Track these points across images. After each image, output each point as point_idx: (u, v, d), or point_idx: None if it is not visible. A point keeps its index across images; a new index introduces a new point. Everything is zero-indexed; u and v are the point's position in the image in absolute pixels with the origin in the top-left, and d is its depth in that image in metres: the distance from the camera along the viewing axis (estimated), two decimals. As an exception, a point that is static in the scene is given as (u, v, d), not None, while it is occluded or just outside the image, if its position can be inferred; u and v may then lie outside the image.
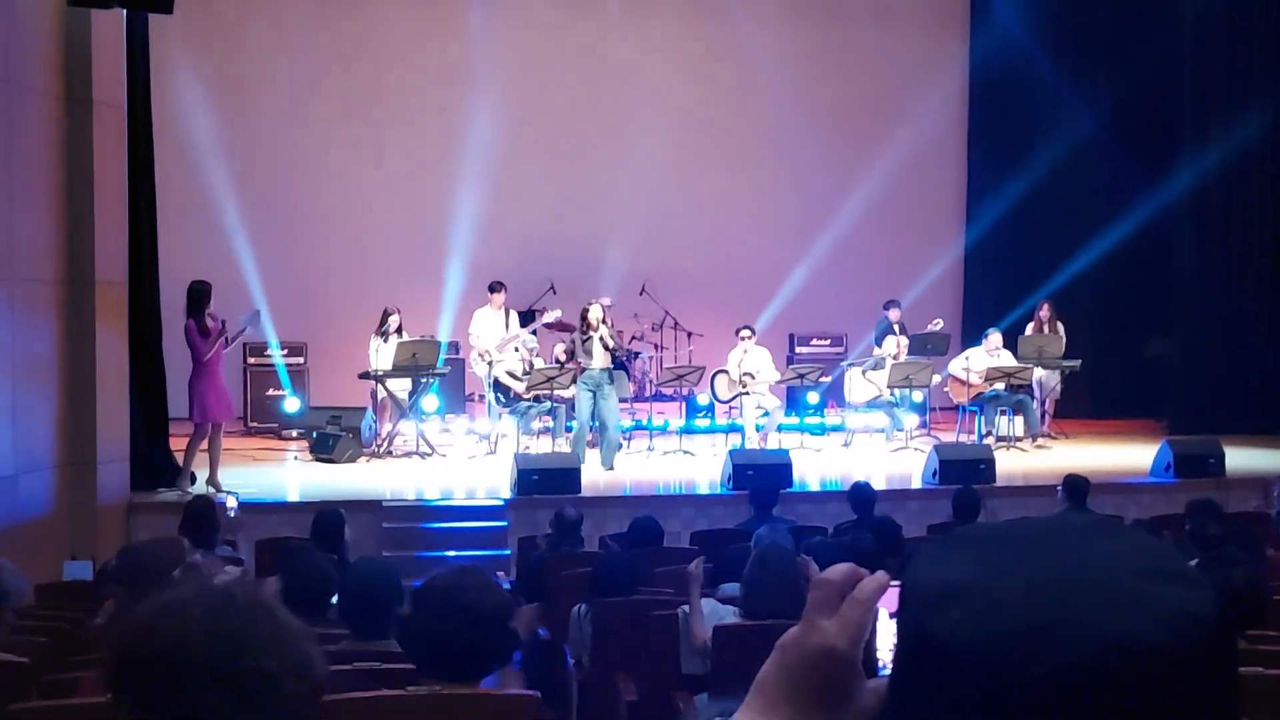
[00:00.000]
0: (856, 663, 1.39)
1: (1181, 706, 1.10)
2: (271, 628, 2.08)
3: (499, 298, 16.67)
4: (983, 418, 17.04)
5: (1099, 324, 20.06)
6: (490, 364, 16.23)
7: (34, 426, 11.55)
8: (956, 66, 21.49)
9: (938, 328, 18.08)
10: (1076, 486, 10.73)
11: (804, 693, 1.38)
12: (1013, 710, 1.11)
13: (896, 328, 17.90)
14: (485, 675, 4.34)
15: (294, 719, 2.06)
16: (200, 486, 12.95)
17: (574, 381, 15.26)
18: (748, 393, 16.70)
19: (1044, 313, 18.12)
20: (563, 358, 16.30)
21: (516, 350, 16.42)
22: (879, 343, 17.67)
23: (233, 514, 9.49)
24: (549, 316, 16.71)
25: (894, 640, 1.25)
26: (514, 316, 16.83)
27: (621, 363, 17.85)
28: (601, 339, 15.11)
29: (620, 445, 15.85)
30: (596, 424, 15.34)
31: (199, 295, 13.50)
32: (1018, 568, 1.17)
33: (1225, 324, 19.14)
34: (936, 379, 17.08)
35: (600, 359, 15.14)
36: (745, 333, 16.96)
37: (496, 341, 16.33)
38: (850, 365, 17.86)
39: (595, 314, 15.20)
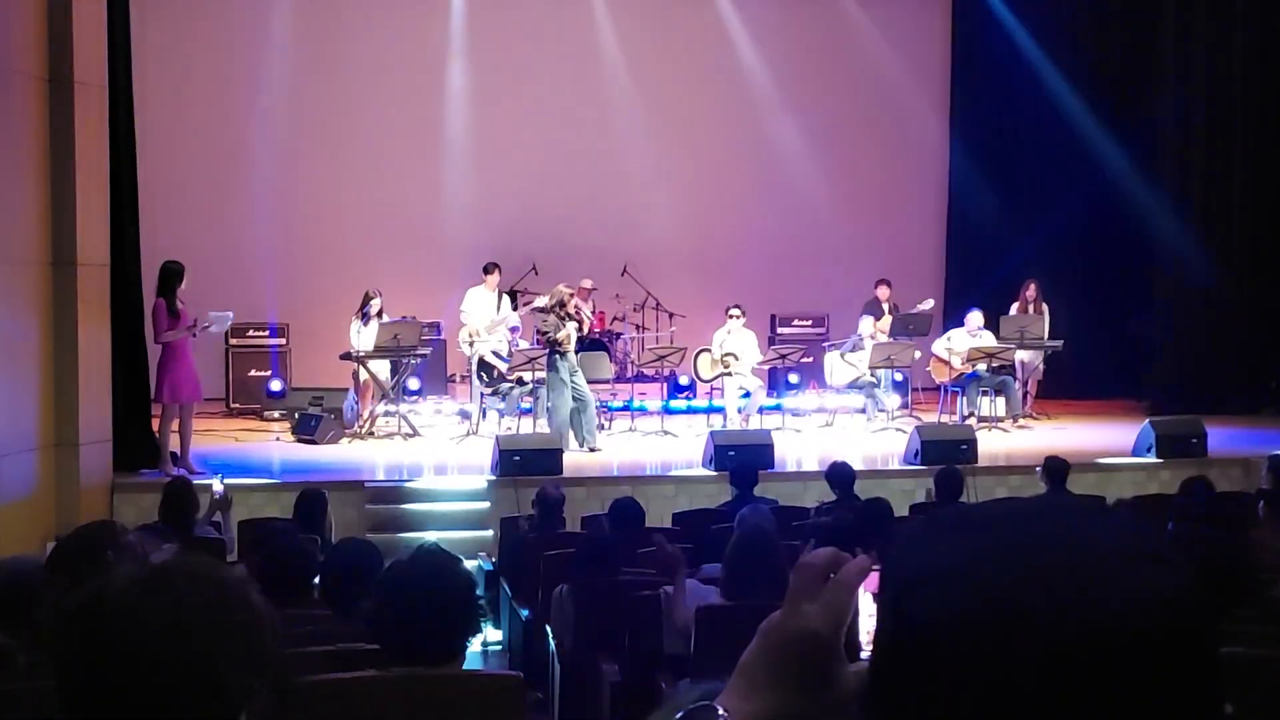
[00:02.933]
0: (839, 646, 1.40)
1: (1160, 688, 1.11)
2: (212, 603, 2.01)
3: (493, 278, 16.64)
4: (964, 398, 17.03)
5: (1080, 304, 20.04)
6: (471, 344, 16.19)
7: (16, 408, 11.51)
8: (938, 41, 21.46)
9: (927, 308, 18.07)
10: (1056, 469, 10.77)
11: (786, 676, 1.38)
12: (991, 693, 1.11)
13: (886, 306, 17.90)
14: (458, 654, 4.34)
15: (240, 689, 2.00)
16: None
17: (550, 366, 15.12)
18: (730, 373, 16.67)
19: (1030, 293, 18.08)
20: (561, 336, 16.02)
21: (514, 330, 16.39)
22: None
23: (218, 496, 9.43)
24: (540, 300, 16.61)
25: (875, 623, 1.26)
26: (505, 300, 16.81)
27: (603, 343, 17.86)
28: (578, 323, 15.17)
29: (602, 426, 15.86)
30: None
31: (171, 276, 13.40)
32: (997, 550, 1.17)
33: (1207, 305, 19.16)
34: (918, 355, 17.05)
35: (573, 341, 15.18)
36: (734, 312, 16.88)
37: (486, 322, 16.29)
38: (830, 347, 17.82)
39: (568, 297, 15.28)
